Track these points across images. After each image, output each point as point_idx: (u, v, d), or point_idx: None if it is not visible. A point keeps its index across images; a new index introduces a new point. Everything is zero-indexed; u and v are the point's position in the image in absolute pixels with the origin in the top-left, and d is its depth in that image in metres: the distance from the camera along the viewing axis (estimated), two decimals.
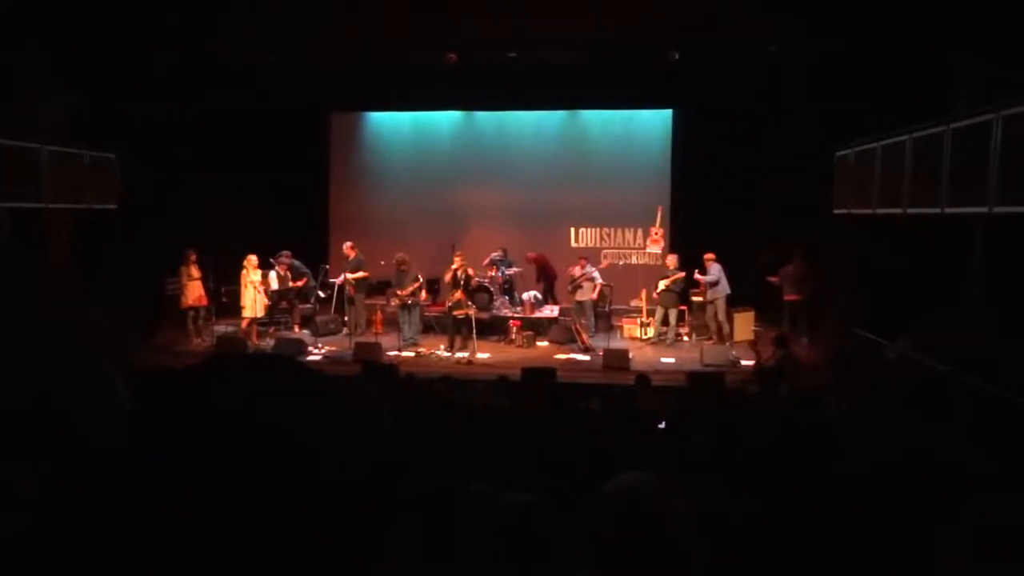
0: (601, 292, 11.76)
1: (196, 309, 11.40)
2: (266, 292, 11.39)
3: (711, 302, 11.32)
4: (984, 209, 6.37)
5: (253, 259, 11.32)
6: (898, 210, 8.20)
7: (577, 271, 11.65)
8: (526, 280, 13.06)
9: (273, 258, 11.74)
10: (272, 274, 11.58)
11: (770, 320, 11.71)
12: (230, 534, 0.63)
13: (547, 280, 13.23)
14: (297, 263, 12.05)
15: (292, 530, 0.65)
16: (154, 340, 11.25)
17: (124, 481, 0.65)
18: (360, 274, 11.65)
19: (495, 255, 12.74)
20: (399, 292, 11.05)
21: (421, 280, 11.16)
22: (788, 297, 11.24)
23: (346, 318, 11.81)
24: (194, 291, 11.28)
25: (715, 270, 11.18)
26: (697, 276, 11.34)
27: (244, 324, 11.42)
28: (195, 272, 11.27)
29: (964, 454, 4.39)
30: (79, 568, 0.66)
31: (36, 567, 0.73)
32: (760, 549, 2.07)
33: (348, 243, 11.90)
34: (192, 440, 0.65)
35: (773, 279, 11.34)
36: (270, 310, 11.82)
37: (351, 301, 11.66)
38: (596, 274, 11.66)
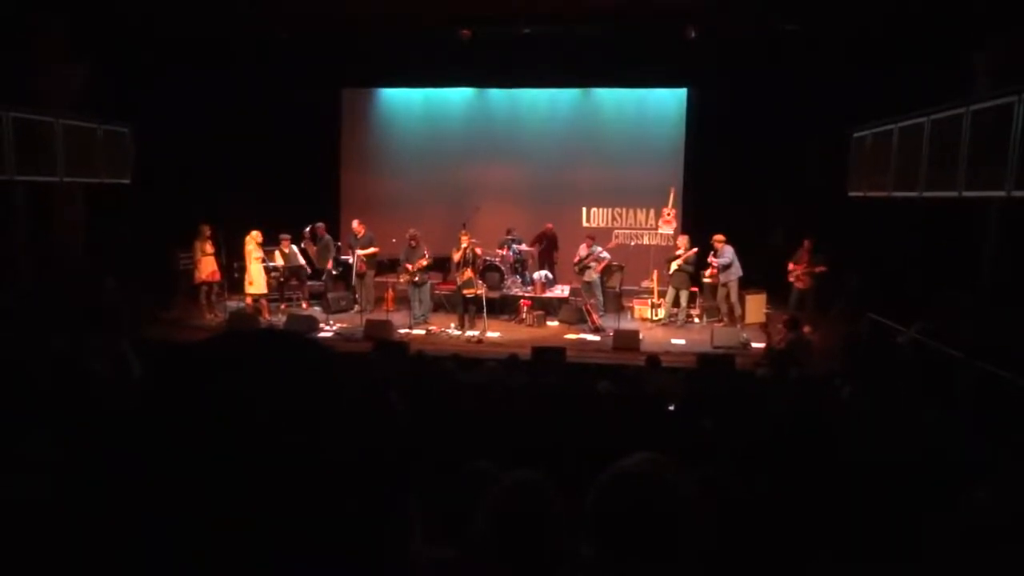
0: (607, 267, 11.69)
1: (209, 284, 11.47)
2: (267, 268, 11.50)
3: (723, 284, 11.26)
4: (1002, 193, 6.29)
5: (257, 235, 11.39)
6: (914, 193, 8.11)
7: (583, 251, 11.60)
8: (535, 258, 13.06)
9: (310, 226, 11.90)
10: (276, 252, 11.69)
11: (782, 302, 11.65)
12: (239, 510, 0.64)
13: (549, 252, 13.15)
14: (327, 238, 12.14)
15: (301, 506, 0.66)
16: (167, 314, 11.35)
17: (138, 453, 0.66)
18: (371, 250, 11.69)
19: (509, 237, 12.74)
20: (408, 267, 11.08)
21: (427, 255, 11.09)
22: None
23: (356, 295, 11.87)
24: (208, 266, 11.35)
25: (728, 252, 11.10)
26: (711, 259, 11.26)
27: (249, 300, 11.50)
28: (209, 247, 11.33)
29: (971, 440, 4.38)
30: (93, 534, 0.67)
31: (53, 530, 0.75)
32: (766, 532, 2.08)
33: (357, 220, 11.91)
34: (205, 415, 0.66)
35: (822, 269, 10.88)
36: (280, 286, 11.93)
37: (361, 278, 11.71)
38: (604, 253, 11.62)
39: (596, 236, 12.00)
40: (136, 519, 0.63)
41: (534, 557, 1.44)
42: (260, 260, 11.40)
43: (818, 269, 10.74)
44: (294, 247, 11.87)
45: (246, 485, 0.63)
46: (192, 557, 0.62)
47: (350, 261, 11.78)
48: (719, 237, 11.16)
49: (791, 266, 11.04)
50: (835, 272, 10.77)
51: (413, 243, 11.04)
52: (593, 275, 11.46)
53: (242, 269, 11.63)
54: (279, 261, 11.71)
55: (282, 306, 11.91)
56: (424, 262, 11.02)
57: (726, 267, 11.09)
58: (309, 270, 12.09)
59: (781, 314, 10.61)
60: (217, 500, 0.62)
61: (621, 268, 12.28)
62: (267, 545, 0.63)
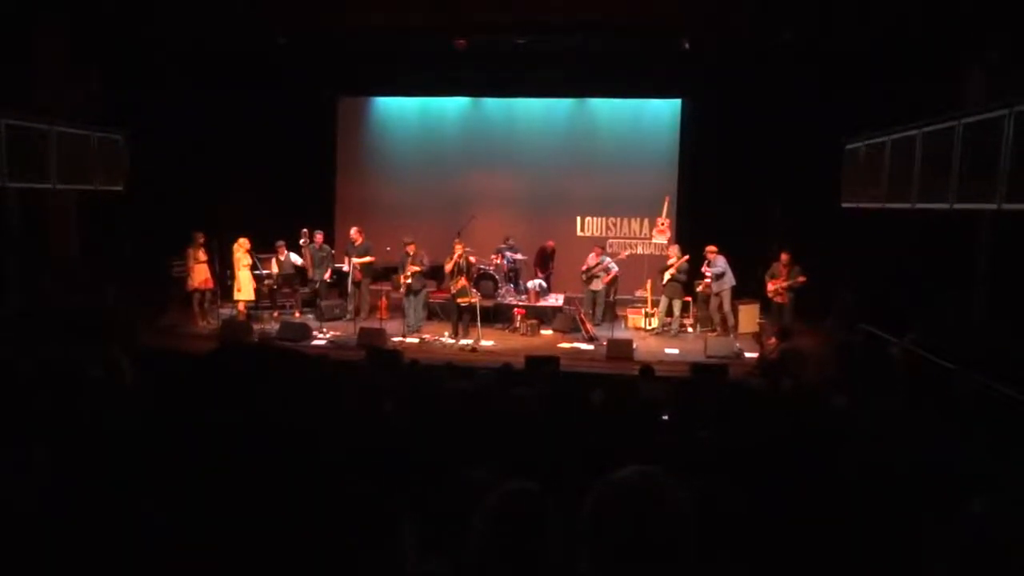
0: (613, 279, 11.78)
1: (202, 291, 11.47)
2: (260, 276, 11.50)
3: (717, 294, 11.29)
4: (993, 206, 6.33)
5: (245, 242, 11.42)
6: (907, 205, 8.16)
7: (592, 260, 11.67)
8: (530, 267, 13.07)
9: (306, 230, 11.87)
10: (272, 260, 11.71)
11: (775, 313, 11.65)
12: (235, 517, 0.64)
13: (545, 265, 13.12)
14: (325, 248, 12.11)
15: (296, 513, 0.65)
16: (160, 321, 11.31)
17: (134, 459, 0.66)
18: (367, 259, 11.69)
19: (503, 245, 12.76)
20: (400, 277, 11.09)
21: (414, 262, 11.02)
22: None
23: (349, 306, 11.85)
24: (200, 274, 11.35)
25: (720, 262, 11.13)
26: (704, 269, 11.28)
27: (241, 307, 11.54)
28: (202, 255, 11.34)
29: (966, 451, 4.39)
30: (88, 540, 0.66)
31: (48, 539, 0.74)
32: (760, 543, 2.07)
33: (355, 228, 11.91)
34: (202, 428, 0.66)
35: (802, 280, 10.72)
36: (272, 294, 11.95)
37: (358, 286, 11.70)
38: (613, 264, 11.69)
39: (603, 247, 12.06)
40: (132, 526, 0.63)
41: (530, 569, 1.43)
42: (248, 267, 11.44)
43: (799, 280, 10.60)
44: (291, 255, 11.87)
45: (242, 496, 0.63)
46: (188, 561, 0.62)
47: (345, 269, 11.77)
48: (711, 248, 11.20)
49: (770, 283, 10.86)
50: (827, 283, 10.78)
51: (410, 251, 11.02)
52: (600, 285, 11.55)
53: (233, 276, 11.64)
54: (275, 268, 11.74)
55: (274, 313, 11.90)
56: (413, 268, 10.95)
57: (719, 277, 11.11)
58: (310, 276, 12.07)
59: (773, 325, 10.63)
60: (212, 509, 0.62)
61: (615, 278, 12.31)
62: (263, 551, 0.63)
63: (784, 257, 10.77)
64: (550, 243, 12.99)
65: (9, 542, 1.06)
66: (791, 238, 11.15)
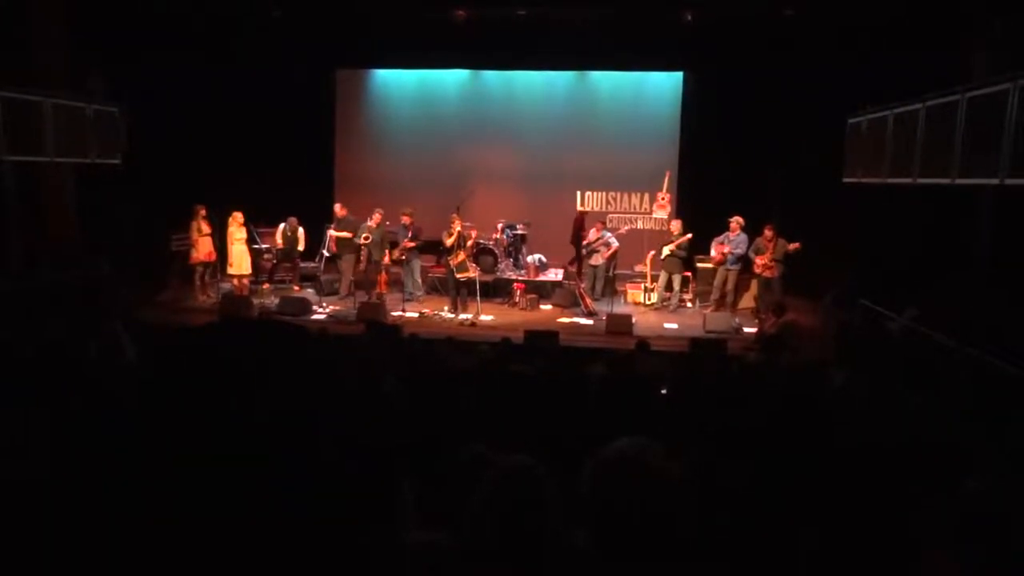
0: (612, 254, 11.76)
1: (205, 265, 11.45)
2: (258, 250, 11.55)
3: (727, 268, 11.16)
4: (995, 180, 6.30)
5: (238, 216, 11.40)
6: (908, 180, 8.12)
7: (593, 235, 11.65)
8: (531, 242, 13.07)
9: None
10: (277, 233, 11.71)
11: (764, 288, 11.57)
12: (233, 490, 0.64)
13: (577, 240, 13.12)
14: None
15: (296, 486, 0.66)
16: (159, 295, 11.32)
17: (135, 430, 0.66)
18: (343, 233, 11.65)
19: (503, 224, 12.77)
20: (399, 248, 11.29)
21: (409, 235, 11.16)
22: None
23: (342, 281, 11.92)
24: (204, 247, 11.32)
25: (743, 242, 10.95)
26: (725, 246, 11.08)
27: (235, 282, 11.55)
28: (205, 228, 11.30)
29: (962, 428, 4.42)
30: (90, 510, 0.67)
31: (49, 511, 0.75)
32: (755, 516, 2.09)
33: (338, 204, 11.96)
34: (204, 398, 0.66)
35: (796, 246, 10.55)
36: (273, 268, 11.95)
37: (333, 259, 11.82)
38: (613, 239, 11.66)
39: (604, 222, 12.04)
40: (135, 499, 0.63)
41: (528, 541, 1.45)
42: (244, 241, 11.43)
43: (791, 247, 10.40)
44: (300, 230, 11.85)
45: (242, 473, 0.63)
46: (186, 538, 0.62)
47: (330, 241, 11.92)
48: (739, 219, 11.00)
49: (757, 259, 10.68)
50: (828, 259, 10.74)
51: (405, 221, 11.19)
52: (600, 260, 11.55)
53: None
54: (278, 241, 11.72)
55: (264, 285, 11.88)
56: (409, 244, 11.18)
57: (740, 258, 10.95)
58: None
59: (766, 300, 10.60)
60: (211, 488, 0.62)
61: (615, 253, 12.29)
62: (262, 530, 0.63)
63: (767, 232, 10.64)
64: (581, 209, 13.05)
65: (12, 517, 1.07)
66: (783, 213, 11.06)
